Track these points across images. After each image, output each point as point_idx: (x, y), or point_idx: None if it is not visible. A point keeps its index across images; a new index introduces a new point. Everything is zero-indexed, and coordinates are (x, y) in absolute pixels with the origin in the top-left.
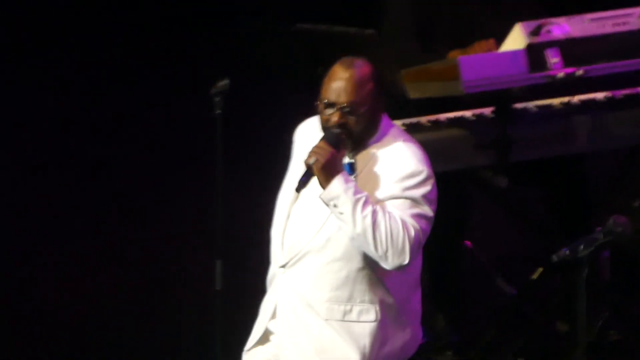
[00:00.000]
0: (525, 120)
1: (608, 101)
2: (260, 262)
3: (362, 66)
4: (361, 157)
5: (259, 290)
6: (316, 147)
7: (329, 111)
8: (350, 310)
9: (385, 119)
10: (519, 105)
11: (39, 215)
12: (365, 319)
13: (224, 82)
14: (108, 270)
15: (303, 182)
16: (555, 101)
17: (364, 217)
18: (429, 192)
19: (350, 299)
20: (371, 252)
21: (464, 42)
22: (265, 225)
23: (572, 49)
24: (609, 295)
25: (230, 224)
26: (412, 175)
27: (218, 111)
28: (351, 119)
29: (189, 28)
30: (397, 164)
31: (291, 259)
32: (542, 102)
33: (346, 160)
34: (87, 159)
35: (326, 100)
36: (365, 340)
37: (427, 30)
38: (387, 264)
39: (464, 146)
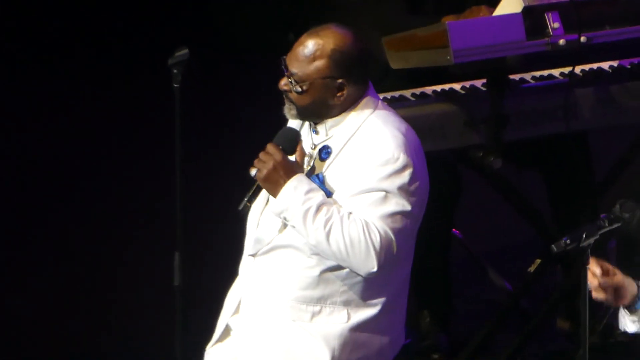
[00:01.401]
0: (521, 93)
1: (614, 72)
2: (223, 253)
3: (324, 38)
4: (336, 140)
5: (222, 285)
6: (262, 153)
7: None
8: (320, 312)
9: (367, 100)
10: (514, 77)
11: None
12: (336, 320)
13: (182, 52)
14: (57, 263)
15: (249, 199)
16: (556, 71)
17: (316, 229)
18: (407, 183)
19: (320, 300)
20: (336, 261)
21: (459, 7)
22: (228, 213)
23: (574, 13)
24: None
25: (191, 212)
26: (385, 163)
27: (176, 84)
28: (294, 91)
29: None
30: (371, 149)
31: (261, 249)
32: (541, 73)
33: (315, 139)
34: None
35: (284, 61)
36: (335, 342)
37: None
38: (358, 273)
39: (453, 123)
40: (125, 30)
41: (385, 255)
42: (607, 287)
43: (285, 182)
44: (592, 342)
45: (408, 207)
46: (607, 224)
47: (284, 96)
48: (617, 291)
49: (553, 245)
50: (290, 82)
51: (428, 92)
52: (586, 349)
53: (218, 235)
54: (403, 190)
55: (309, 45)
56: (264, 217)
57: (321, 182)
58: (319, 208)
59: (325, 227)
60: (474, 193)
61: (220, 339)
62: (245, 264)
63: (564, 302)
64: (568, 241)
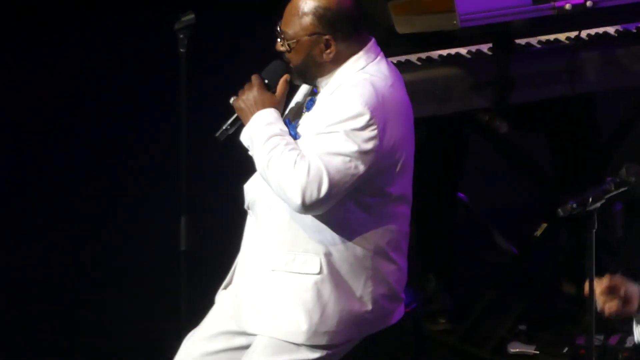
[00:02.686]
0: (527, 57)
1: (620, 35)
2: (229, 216)
3: None
4: (322, 94)
5: (228, 248)
6: (247, 84)
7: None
8: (293, 260)
9: (359, 56)
10: (520, 41)
11: None
12: (308, 270)
13: (189, 17)
14: (59, 227)
15: (227, 127)
16: (562, 36)
17: (260, 156)
18: (358, 128)
19: (293, 247)
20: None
21: None
22: (232, 177)
23: None
24: (622, 252)
25: (196, 177)
26: (339, 110)
27: (182, 49)
28: (287, 50)
29: None
30: (335, 100)
31: (250, 200)
32: (547, 37)
33: (303, 97)
34: (38, 108)
35: (278, 25)
36: (307, 295)
37: None
38: (290, 206)
39: (459, 87)
40: None
41: (312, 191)
42: (614, 299)
43: (254, 112)
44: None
45: (353, 148)
46: (613, 188)
47: (274, 68)
48: (625, 299)
49: (559, 209)
50: (282, 41)
51: (434, 57)
52: (593, 312)
53: (224, 199)
54: (351, 133)
55: (295, 3)
56: (255, 175)
57: (292, 127)
58: (269, 138)
59: (267, 154)
60: (479, 156)
61: (226, 285)
62: (248, 218)
63: (570, 265)
64: (574, 205)
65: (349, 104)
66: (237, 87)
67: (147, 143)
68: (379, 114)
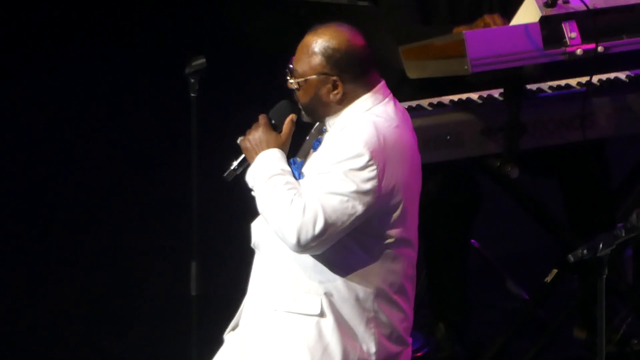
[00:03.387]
0: (538, 102)
1: (631, 81)
2: (240, 262)
3: (322, 35)
4: (328, 135)
5: (238, 293)
6: (254, 124)
7: None
8: (295, 300)
9: (365, 97)
10: (531, 86)
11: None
12: (309, 311)
13: (199, 61)
14: (73, 272)
15: (238, 164)
16: (573, 81)
17: (260, 195)
18: (356, 168)
19: (294, 287)
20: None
21: (472, 16)
22: (243, 220)
23: (592, 22)
24: (632, 298)
25: (207, 221)
26: (339, 150)
27: (193, 94)
28: (296, 88)
29: None
30: (337, 141)
31: (257, 239)
32: (558, 83)
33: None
34: (49, 149)
35: (290, 63)
36: (309, 334)
37: (429, 1)
38: (286, 245)
39: (470, 132)
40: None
41: (307, 230)
42: None
43: (258, 153)
44: (608, 351)
45: (351, 188)
46: (623, 234)
47: (281, 108)
48: None
49: (570, 255)
50: (293, 79)
51: (445, 102)
52: (603, 358)
53: (234, 244)
54: (349, 172)
55: (307, 42)
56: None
57: (297, 167)
58: (270, 177)
59: (267, 193)
60: (490, 202)
61: (233, 327)
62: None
63: (581, 311)
64: (585, 251)
65: (348, 144)
66: (246, 128)
67: (157, 186)
68: (378, 155)
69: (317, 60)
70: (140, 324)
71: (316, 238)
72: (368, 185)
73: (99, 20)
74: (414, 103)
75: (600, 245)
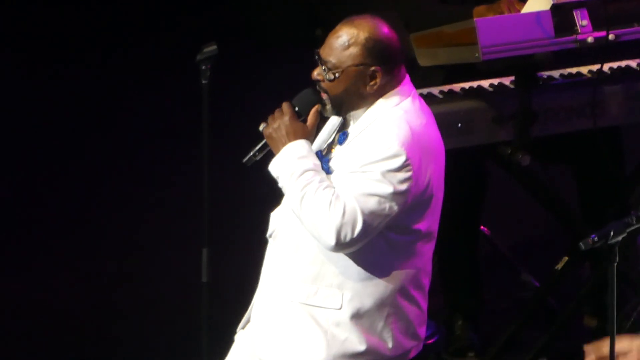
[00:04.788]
0: (550, 90)
1: None
2: (251, 249)
3: (359, 27)
4: (355, 128)
5: (249, 280)
6: (276, 110)
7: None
8: (315, 293)
9: (396, 90)
10: (543, 74)
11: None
12: (329, 304)
13: (211, 48)
14: (86, 259)
15: (254, 153)
16: (584, 69)
17: (294, 191)
18: (393, 169)
19: (316, 280)
20: (305, 229)
21: None
22: (254, 209)
23: (603, 10)
24: None
25: (218, 209)
26: (375, 149)
27: (204, 80)
28: (327, 79)
29: None
30: (371, 137)
31: (275, 229)
32: (569, 70)
33: (335, 131)
34: (60, 137)
35: (317, 53)
36: (328, 328)
37: None
38: (321, 244)
39: (482, 119)
40: (152, 25)
41: (346, 232)
42: None
43: (285, 143)
44: None
45: (388, 190)
46: (635, 222)
47: (318, 88)
48: None
49: (581, 243)
50: (324, 69)
51: (456, 90)
52: (614, 346)
53: (246, 231)
54: (387, 174)
55: (343, 33)
56: (282, 202)
57: (325, 161)
58: (303, 172)
59: (301, 190)
60: (502, 189)
61: (245, 323)
62: (268, 247)
63: (591, 299)
64: (596, 239)
65: (385, 144)
66: (260, 117)
67: (169, 174)
68: (414, 154)
69: (356, 50)
70: (151, 310)
71: (355, 239)
72: (404, 186)
73: (112, 9)
74: (425, 91)
75: (612, 233)
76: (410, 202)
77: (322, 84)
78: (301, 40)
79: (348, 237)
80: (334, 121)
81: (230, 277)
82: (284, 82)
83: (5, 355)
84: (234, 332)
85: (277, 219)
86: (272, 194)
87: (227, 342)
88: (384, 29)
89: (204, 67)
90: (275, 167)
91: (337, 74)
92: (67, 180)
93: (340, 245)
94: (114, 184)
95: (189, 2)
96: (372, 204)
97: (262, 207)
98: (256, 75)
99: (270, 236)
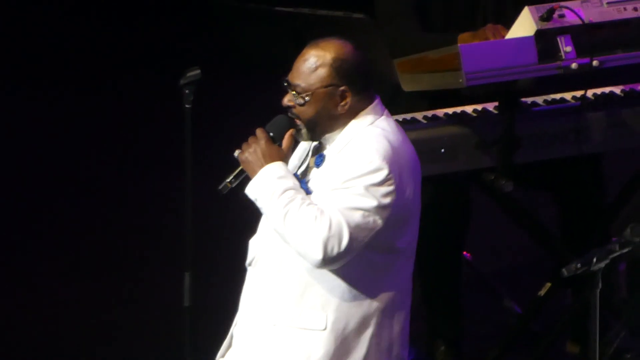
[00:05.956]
0: (533, 116)
1: (626, 95)
2: (233, 273)
3: (325, 48)
4: (330, 150)
5: (231, 304)
6: (251, 137)
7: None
8: (299, 315)
9: (368, 109)
10: (526, 100)
11: None
12: (314, 326)
13: (194, 72)
14: (66, 282)
15: (230, 180)
16: (567, 95)
17: (276, 210)
18: (376, 183)
19: (300, 302)
20: (290, 247)
21: (465, 25)
22: (238, 233)
23: (587, 36)
24: (626, 313)
25: (201, 233)
26: (357, 165)
27: (187, 105)
28: (298, 104)
29: (155, 9)
30: (349, 155)
31: (254, 256)
32: (553, 96)
33: (308, 155)
34: (43, 159)
35: (286, 79)
36: (311, 350)
37: (429, 7)
38: (307, 261)
39: (465, 145)
40: (136, 47)
41: (333, 246)
42: None
43: (262, 165)
44: None
45: (372, 204)
46: (617, 248)
47: (290, 114)
48: None
49: (564, 269)
50: (294, 94)
51: (439, 115)
52: None
53: (228, 256)
54: (370, 189)
55: (310, 56)
56: (260, 230)
57: (303, 183)
58: (284, 191)
59: (284, 208)
60: (484, 215)
61: (225, 350)
62: (247, 275)
63: (574, 325)
64: (579, 265)
65: (366, 159)
66: (240, 140)
67: (151, 198)
68: (395, 168)
69: (324, 71)
70: (132, 334)
71: (341, 253)
72: (387, 200)
73: (96, 30)
74: (408, 116)
75: (594, 260)
76: (392, 217)
77: (294, 110)
78: (285, 65)
79: (335, 251)
80: (304, 146)
81: (213, 301)
82: (268, 106)
83: None
84: (215, 357)
85: (256, 246)
86: (255, 220)
87: None
88: (351, 49)
89: (187, 92)
90: (253, 189)
91: (307, 98)
92: (49, 202)
93: (326, 260)
94: (95, 207)
95: (173, 27)
96: (357, 217)
97: (245, 232)
98: (239, 100)
99: (250, 264)
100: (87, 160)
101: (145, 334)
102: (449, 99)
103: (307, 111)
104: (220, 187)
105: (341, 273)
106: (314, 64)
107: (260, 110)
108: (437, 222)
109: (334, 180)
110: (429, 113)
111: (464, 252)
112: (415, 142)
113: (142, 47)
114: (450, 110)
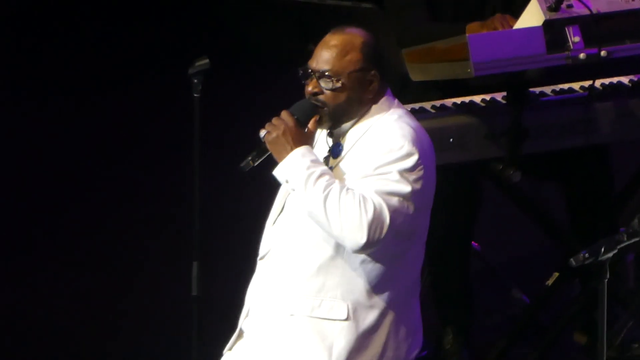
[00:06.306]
0: (541, 106)
1: (634, 85)
2: (242, 263)
3: (351, 34)
4: (349, 138)
5: (240, 294)
6: (275, 118)
7: (308, 79)
8: (319, 305)
9: (386, 97)
10: (534, 90)
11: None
12: (335, 316)
13: (203, 62)
14: (75, 273)
15: (253, 158)
16: (576, 85)
17: (315, 191)
18: (409, 169)
19: (320, 292)
20: (328, 231)
21: (476, 15)
22: (246, 222)
23: (595, 26)
24: (633, 303)
25: (209, 222)
26: (388, 151)
27: (196, 94)
28: (326, 89)
29: (164, 1)
30: (377, 140)
31: (268, 251)
32: (561, 87)
33: (330, 142)
34: (51, 149)
35: (308, 67)
36: (334, 340)
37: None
38: (346, 245)
39: (473, 135)
40: (144, 38)
41: (376, 228)
42: None
43: (292, 148)
44: (609, 356)
45: (407, 189)
46: (625, 239)
47: (314, 101)
48: None
49: (572, 259)
50: (325, 80)
51: (448, 105)
52: None
53: (236, 245)
54: (404, 174)
55: (338, 42)
56: (276, 225)
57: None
58: (321, 174)
59: (324, 191)
60: (492, 205)
61: (233, 343)
62: (257, 269)
63: (582, 315)
64: (587, 255)
65: (396, 145)
66: (251, 130)
67: (160, 187)
68: (422, 153)
69: (355, 56)
70: (140, 323)
71: (382, 238)
72: (418, 185)
73: (105, 21)
74: (417, 106)
75: (602, 250)
76: (420, 203)
77: (322, 97)
78: (292, 55)
79: (377, 235)
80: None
81: (221, 290)
82: (275, 95)
83: None
84: (223, 347)
85: (271, 238)
86: (264, 207)
87: (217, 355)
88: (372, 35)
89: (195, 81)
90: (284, 171)
91: (339, 82)
92: (56, 193)
93: (369, 244)
94: (104, 196)
95: (181, 16)
96: (395, 202)
97: (254, 220)
98: (247, 89)
99: (262, 258)
100: (96, 150)
101: (153, 323)
102: (457, 89)
103: (338, 96)
104: (243, 164)
105: (361, 262)
106: (344, 48)
107: (266, 99)
108: (446, 211)
109: (365, 167)
110: (438, 103)
111: (473, 242)
112: (422, 127)
113: (149, 41)
114: (458, 100)
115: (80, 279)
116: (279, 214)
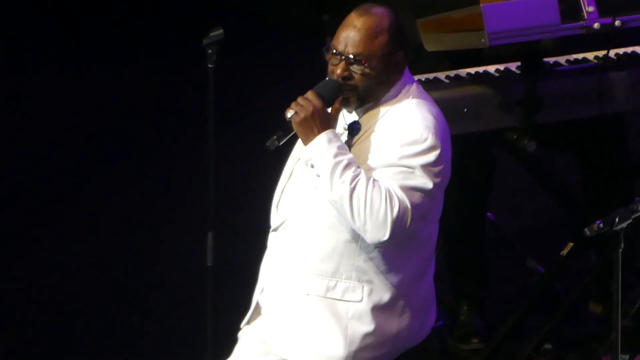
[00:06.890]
0: (555, 76)
1: None
2: (256, 233)
3: (378, 15)
4: (368, 117)
5: (254, 264)
6: (301, 97)
7: (335, 61)
8: (334, 287)
9: (404, 77)
10: (549, 60)
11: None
12: (350, 297)
13: (217, 32)
14: (88, 242)
15: (278, 137)
16: (590, 55)
17: (342, 183)
18: (431, 163)
19: (335, 274)
20: (349, 221)
21: None
22: (261, 192)
23: None
24: None
25: (224, 192)
26: (413, 143)
27: (210, 65)
28: (357, 73)
29: None
30: (400, 128)
31: (282, 223)
32: (575, 56)
33: (348, 119)
34: (67, 118)
35: (334, 50)
36: (348, 322)
37: None
38: (366, 237)
39: (487, 105)
40: (158, 9)
41: (399, 225)
42: None
43: (320, 131)
44: (624, 325)
45: (429, 186)
46: None
47: (332, 87)
48: None
49: (586, 229)
50: (357, 64)
51: (462, 75)
52: (618, 332)
53: (252, 216)
54: (427, 169)
55: (367, 24)
56: (286, 192)
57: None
58: (349, 164)
59: (351, 183)
60: (507, 175)
61: (251, 319)
62: (270, 240)
63: (596, 285)
64: (601, 225)
65: (421, 137)
66: (265, 102)
67: (175, 159)
68: (444, 144)
69: (385, 38)
70: (155, 294)
71: (404, 234)
72: (439, 179)
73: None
74: (431, 75)
75: (617, 219)
76: (439, 192)
77: (351, 81)
78: (307, 25)
79: (398, 232)
80: None
81: (236, 261)
82: (290, 66)
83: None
84: (238, 318)
85: (287, 210)
86: (279, 178)
87: (231, 326)
88: (395, 15)
89: (209, 52)
90: (310, 154)
91: (371, 66)
92: (72, 164)
93: (390, 240)
94: (118, 167)
95: None
96: (417, 199)
97: (269, 192)
98: (262, 60)
99: (276, 229)
100: (112, 122)
101: (167, 294)
102: (471, 59)
103: (369, 79)
104: (268, 143)
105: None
106: (373, 31)
107: (281, 70)
108: (461, 182)
109: (388, 156)
110: (452, 73)
111: (488, 213)
112: (438, 102)
113: (164, 12)
114: (472, 70)
115: (92, 249)
116: (287, 180)
